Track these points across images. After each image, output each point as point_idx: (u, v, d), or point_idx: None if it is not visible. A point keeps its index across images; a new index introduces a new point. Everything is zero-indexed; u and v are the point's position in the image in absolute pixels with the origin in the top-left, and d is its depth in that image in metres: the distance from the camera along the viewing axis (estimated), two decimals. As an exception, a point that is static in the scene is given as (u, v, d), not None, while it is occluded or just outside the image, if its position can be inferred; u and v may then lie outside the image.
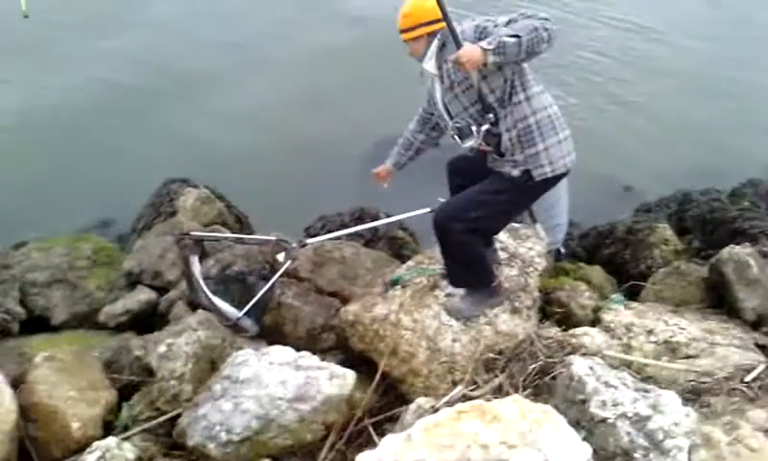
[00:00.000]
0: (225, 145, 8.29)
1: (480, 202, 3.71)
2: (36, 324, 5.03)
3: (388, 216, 6.35)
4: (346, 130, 8.47)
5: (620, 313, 4.47)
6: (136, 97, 9.18)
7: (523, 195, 3.83)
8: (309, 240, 4.87)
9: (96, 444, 3.36)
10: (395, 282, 4.34)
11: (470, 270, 3.92)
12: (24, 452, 3.55)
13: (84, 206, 7.13)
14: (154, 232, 5.56)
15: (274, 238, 4.79)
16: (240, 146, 8.27)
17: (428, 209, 4.47)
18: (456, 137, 3.64)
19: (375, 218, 6.29)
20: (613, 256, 6.30)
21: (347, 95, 9.22)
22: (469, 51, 3.27)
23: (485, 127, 3.56)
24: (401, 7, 3.76)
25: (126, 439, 3.52)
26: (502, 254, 4.46)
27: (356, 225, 6.37)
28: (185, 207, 6.09)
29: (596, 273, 5.62)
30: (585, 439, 2.86)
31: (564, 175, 3.73)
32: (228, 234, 5.13)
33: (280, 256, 4.71)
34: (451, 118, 3.69)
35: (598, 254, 6.40)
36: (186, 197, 6.20)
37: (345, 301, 4.62)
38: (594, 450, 2.83)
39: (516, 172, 3.63)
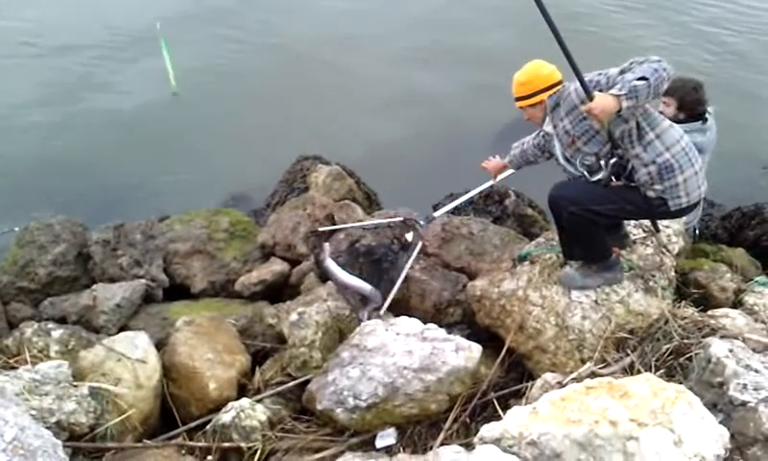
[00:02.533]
0: (356, 125, 8.42)
1: (605, 197, 3.58)
2: (178, 291, 5.31)
3: (517, 195, 6.28)
4: (475, 113, 8.40)
5: (765, 296, 4.21)
6: (271, 81, 9.46)
7: (650, 214, 3.78)
8: (435, 213, 4.85)
9: (231, 404, 3.54)
10: (523, 258, 4.27)
11: (584, 246, 3.81)
12: (165, 410, 3.77)
13: (222, 182, 7.45)
14: (287, 207, 5.73)
15: (401, 218, 4.80)
16: (372, 127, 8.38)
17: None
18: (585, 173, 3.56)
19: (505, 196, 6.22)
20: (759, 239, 5.93)
21: (481, 80, 9.13)
22: (602, 101, 3.20)
23: (612, 160, 3.49)
24: (517, 74, 3.72)
25: (258, 401, 3.67)
26: (637, 232, 4.29)
27: (485, 202, 6.34)
28: (317, 183, 6.23)
29: (739, 255, 5.32)
30: (721, 423, 2.74)
31: (695, 205, 3.61)
32: (356, 224, 5.19)
33: (409, 236, 4.73)
34: (573, 166, 3.65)
35: (741, 236, 6.05)
36: (318, 173, 6.35)
37: (472, 276, 4.60)
38: (732, 435, 2.70)
39: (651, 193, 3.50)
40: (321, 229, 5.11)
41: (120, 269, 5.10)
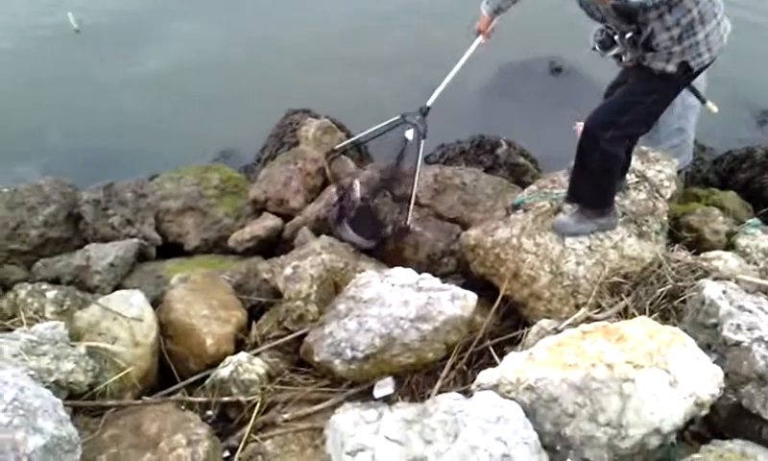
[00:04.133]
0: (343, 76, 8.32)
1: (630, 104, 3.50)
2: (171, 249, 5.29)
3: (509, 144, 6.25)
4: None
5: (757, 237, 4.24)
6: (257, 36, 9.32)
7: (674, 89, 3.57)
8: (429, 102, 4.63)
9: (229, 358, 3.55)
10: (516, 207, 4.27)
11: (596, 186, 3.76)
12: (163, 367, 3.78)
13: (210, 138, 7.36)
14: (278, 162, 5.68)
15: (399, 116, 4.65)
16: (359, 78, 8.29)
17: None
18: (598, 49, 3.46)
19: (497, 146, 6.20)
20: (750, 182, 5.97)
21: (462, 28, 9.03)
22: None
23: (628, 35, 3.31)
24: None
25: (256, 355, 3.68)
26: (630, 177, 4.29)
27: (477, 152, 6.32)
28: (307, 137, 6.17)
29: (731, 198, 5.35)
30: (716, 363, 2.77)
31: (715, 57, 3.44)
32: (361, 135, 5.17)
33: (409, 134, 4.53)
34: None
35: (733, 180, 6.08)
36: (308, 127, 6.28)
37: (465, 226, 4.60)
38: (726, 374, 2.74)
39: (671, 67, 3.33)
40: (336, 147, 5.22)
41: (112, 228, 5.06)
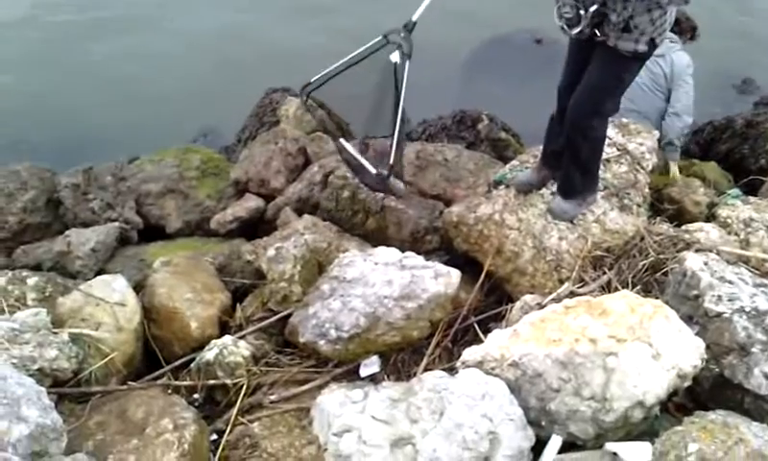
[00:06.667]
0: (322, 53, 8.25)
1: (609, 89, 3.55)
2: (153, 232, 5.26)
3: (490, 119, 6.24)
4: (444, 35, 8.28)
5: (738, 208, 4.26)
6: (233, 13, 9.22)
7: (642, 65, 3.58)
8: (414, 16, 4.08)
9: (214, 342, 3.54)
10: (498, 182, 4.27)
11: (589, 172, 3.81)
12: (148, 351, 3.77)
13: (190, 119, 7.32)
14: (258, 142, 5.65)
15: (381, 37, 4.12)
16: (338, 54, 8.22)
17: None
18: (565, 28, 3.45)
19: (478, 121, 6.19)
20: (730, 152, 6.02)
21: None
22: None
23: (593, 8, 3.27)
24: None
25: (241, 337, 3.68)
26: (611, 151, 4.30)
27: (458, 128, 6.30)
28: (288, 116, 6.16)
29: (711, 168, 5.39)
30: (698, 334, 2.79)
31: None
32: (339, 63, 4.37)
33: (394, 57, 4.03)
34: None
35: (713, 150, 6.12)
36: (288, 106, 6.27)
37: (448, 203, 4.60)
38: (708, 346, 2.76)
39: (642, 46, 3.34)
40: (312, 80, 4.39)
41: (92, 213, 5.02)
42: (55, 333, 3.28)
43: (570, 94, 3.65)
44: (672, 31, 5.15)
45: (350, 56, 4.24)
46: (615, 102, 3.63)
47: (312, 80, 4.38)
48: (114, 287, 3.69)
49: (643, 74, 5.09)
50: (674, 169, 5.10)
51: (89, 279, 3.97)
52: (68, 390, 3.20)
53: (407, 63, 3.99)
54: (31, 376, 2.81)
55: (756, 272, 3.34)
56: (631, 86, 4.55)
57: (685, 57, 5.31)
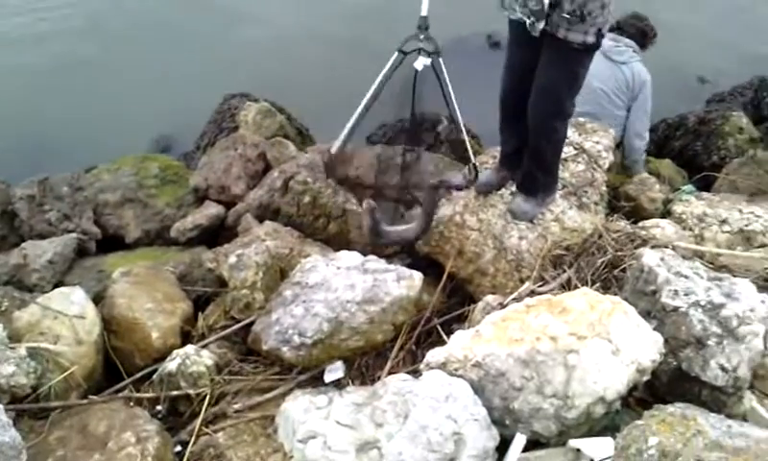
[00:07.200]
0: (281, 57, 8.23)
1: (567, 88, 3.57)
2: (112, 242, 5.18)
3: (450, 121, 6.26)
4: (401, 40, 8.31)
5: (692, 204, 4.36)
6: (184, 18, 9.13)
7: (592, 58, 3.59)
8: (423, 12, 3.74)
9: (176, 352, 3.49)
10: (458, 185, 4.29)
11: (552, 173, 3.86)
12: (109, 364, 3.72)
13: (147, 126, 7.21)
14: (217, 148, 5.59)
15: (396, 53, 3.75)
16: (296, 56, 8.21)
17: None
18: (531, 24, 3.41)
19: (437, 122, 6.21)
20: (684, 149, 6.15)
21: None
22: None
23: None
24: None
25: (203, 347, 3.64)
26: (569, 150, 4.36)
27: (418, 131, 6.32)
28: (247, 122, 6.11)
29: (666, 165, 5.50)
30: (656, 329, 2.85)
31: None
32: (360, 108, 3.82)
33: (419, 63, 3.70)
34: None
35: (668, 147, 6.24)
36: (247, 111, 6.22)
37: (409, 206, 4.61)
38: (666, 340, 2.82)
39: (590, 38, 3.36)
40: (334, 148, 3.93)
41: (49, 224, 4.93)
42: (12, 348, 3.21)
43: (516, 99, 3.68)
44: (636, 41, 5.28)
45: (370, 92, 3.77)
46: (573, 100, 3.67)
47: (334, 145, 3.90)
48: (73, 299, 3.63)
49: (609, 80, 5.17)
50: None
51: (47, 292, 3.90)
52: (27, 406, 3.14)
53: (441, 62, 3.70)
54: (-12, 393, 2.77)
55: (711, 266, 3.42)
56: (596, 92, 4.64)
57: (646, 72, 5.39)
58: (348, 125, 3.83)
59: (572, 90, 3.61)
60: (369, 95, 3.78)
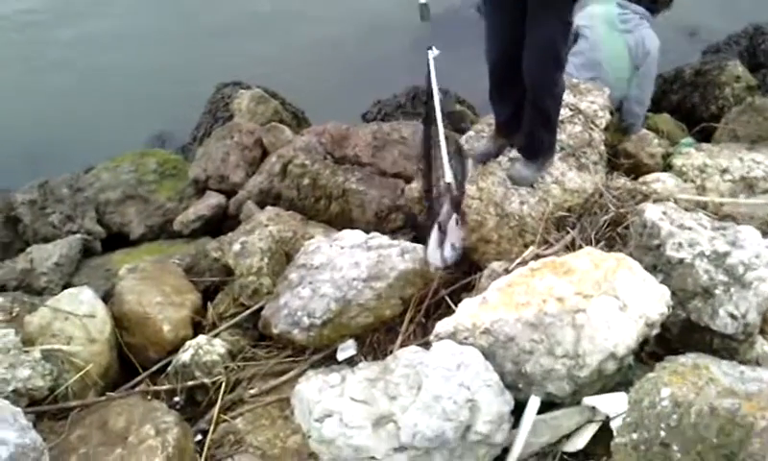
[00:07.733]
0: (271, 42, 8.21)
1: (560, 38, 3.48)
2: (116, 240, 5.21)
3: (444, 92, 6.25)
4: (392, 13, 8.26)
5: (692, 156, 4.35)
6: (175, 11, 9.10)
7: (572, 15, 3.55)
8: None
9: (188, 343, 3.54)
10: (457, 154, 4.28)
11: (552, 131, 3.81)
12: (124, 360, 3.75)
13: (143, 122, 7.21)
14: (213, 138, 5.60)
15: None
16: (286, 41, 8.18)
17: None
18: None
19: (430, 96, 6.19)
20: (682, 102, 6.10)
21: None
22: None
23: None
24: None
25: (215, 336, 3.68)
26: (564, 111, 4.34)
27: (413, 104, 6.31)
28: (241, 109, 6.11)
29: (664, 120, 5.47)
30: (662, 282, 2.85)
31: None
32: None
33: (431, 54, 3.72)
34: None
35: (665, 102, 6.19)
36: (241, 99, 6.21)
37: (409, 180, 4.62)
38: (673, 292, 2.82)
39: None
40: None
41: (52, 227, 4.96)
42: (26, 352, 3.25)
43: (506, 65, 3.64)
44: (645, 6, 5.16)
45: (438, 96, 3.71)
46: (567, 49, 3.61)
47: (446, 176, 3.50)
48: (82, 299, 3.66)
49: (612, 49, 5.07)
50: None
51: (56, 294, 3.93)
52: (46, 407, 3.18)
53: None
54: (5, 398, 2.80)
55: (714, 216, 3.42)
56: (598, 61, 4.56)
57: (652, 39, 5.16)
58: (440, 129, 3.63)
59: (566, 40, 3.55)
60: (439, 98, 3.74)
